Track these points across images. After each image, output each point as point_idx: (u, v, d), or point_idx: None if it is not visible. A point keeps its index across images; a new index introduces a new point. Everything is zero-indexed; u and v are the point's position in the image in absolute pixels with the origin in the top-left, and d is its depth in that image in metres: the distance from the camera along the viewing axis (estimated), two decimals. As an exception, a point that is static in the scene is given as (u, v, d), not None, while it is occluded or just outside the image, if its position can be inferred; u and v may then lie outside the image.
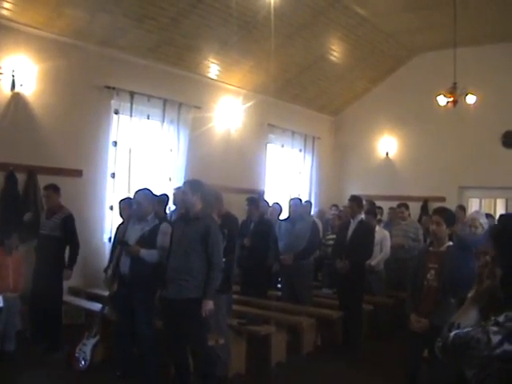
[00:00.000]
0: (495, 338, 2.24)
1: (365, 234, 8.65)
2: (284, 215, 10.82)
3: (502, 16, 11.36)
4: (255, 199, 9.92)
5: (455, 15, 10.49)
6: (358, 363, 7.91)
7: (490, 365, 2.32)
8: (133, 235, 6.58)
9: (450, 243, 5.71)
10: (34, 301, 7.83)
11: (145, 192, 6.74)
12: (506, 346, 2.23)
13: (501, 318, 2.29)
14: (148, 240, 6.46)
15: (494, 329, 2.25)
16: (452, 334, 2.39)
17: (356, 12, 11.32)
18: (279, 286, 10.16)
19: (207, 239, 5.91)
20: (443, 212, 5.84)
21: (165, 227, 6.56)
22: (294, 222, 9.21)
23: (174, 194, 8.80)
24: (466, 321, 2.49)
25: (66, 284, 8.42)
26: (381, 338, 9.20)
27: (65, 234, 7.83)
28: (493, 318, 2.31)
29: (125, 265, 6.52)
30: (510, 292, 2.49)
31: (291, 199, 9.71)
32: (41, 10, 8.52)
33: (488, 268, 2.68)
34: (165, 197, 8.66)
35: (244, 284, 9.54)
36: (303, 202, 10.68)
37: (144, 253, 6.37)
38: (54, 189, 7.96)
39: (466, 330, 2.34)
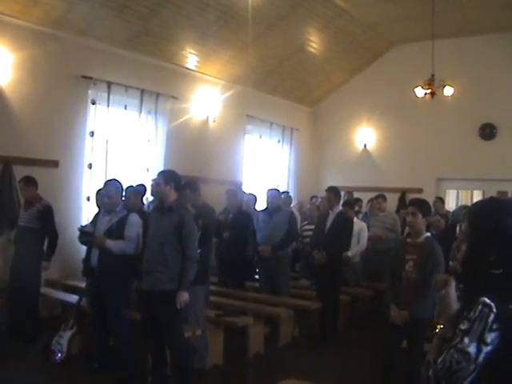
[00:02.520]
0: (472, 349, 2.20)
1: (343, 225, 8.63)
2: (259, 206, 10.83)
3: (479, 9, 11.43)
4: (235, 191, 9.88)
5: (433, 7, 10.54)
6: (336, 354, 7.93)
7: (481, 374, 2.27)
8: (102, 227, 6.56)
9: (428, 234, 5.74)
10: (11, 293, 7.77)
11: (115, 183, 6.72)
12: (484, 349, 2.21)
13: (464, 326, 2.26)
14: (116, 231, 6.45)
15: (466, 340, 2.22)
16: (430, 372, 2.33)
17: (334, 3, 11.31)
18: (257, 277, 10.17)
19: (181, 230, 5.86)
20: (419, 203, 5.87)
21: (133, 218, 6.55)
22: (271, 213, 9.18)
23: (152, 185, 8.75)
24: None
25: (42, 276, 8.36)
26: (358, 329, 9.24)
27: (43, 226, 7.76)
28: (457, 331, 2.28)
29: (94, 257, 6.51)
30: (467, 270, 2.48)
31: (269, 190, 9.65)
32: (17, -2, 8.43)
33: (456, 242, 2.68)
34: (142, 187, 8.59)
35: (222, 275, 9.54)
36: (281, 193, 10.65)
37: (110, 244, 6.35)
38: (25, 181, 7.88)
39: (439, 360, 2.28)
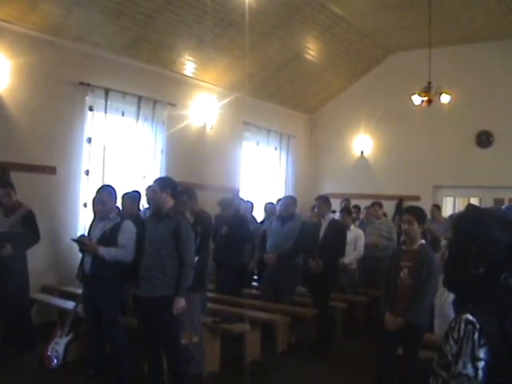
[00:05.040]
0: (469, 370, 2.18)
1: (337, 232, 8.59)
2: (255, 212, 10.82)
3: (475, 18, 11.48)
4: (229, 200, 9.80)
5: (430, 16, 10.57)
6: (333, 361, 7.92)
7: None
8: (95, 233, 6.56)
9: (423, 241, 5.76)
10: (0, 300, 7.74)
11: (107, 189, 6.72)
12: (480, 365, 2.20)
13: (453, 350, 2.24)
14: (109, 238, 6.43)
15: (460, 364, 2.20)
16: None
17: (332, 11, 11.35)
18: (254, 284, 10.14)
19: (178, 237, 5.87)
20: (415, 211, 5.90)
21: (126, 225, 6.53)
22: (283, 221, 8.88)
23: (146, 193, 8.61)
24: None
25: (39, 282, 8.36)
26: (356, 335, 9.23)
27: (27, 230, 7.73)
28: (449, 358, 2.27)
29: (87, 263, 6.49)
30: (450, 276, 2.49)
31: (283, 197, 9.44)
32: (15, 5, 8.43)
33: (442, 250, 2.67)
34: (136, 193, 8.49)
35: (219, 282, 9.52)
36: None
37: (103, 251, 6.33)
38: (11, 187, 7.88)
39: None
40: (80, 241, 6.67)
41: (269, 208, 10.87)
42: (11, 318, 7.68)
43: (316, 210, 9.05)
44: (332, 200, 9.26)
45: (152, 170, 10.79)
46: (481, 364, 2.18)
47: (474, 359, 2.18)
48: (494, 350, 2.19)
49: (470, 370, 2.17)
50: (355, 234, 9.85)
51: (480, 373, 2.17)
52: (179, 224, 5.92)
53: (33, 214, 7.89)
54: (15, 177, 8.56)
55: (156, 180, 6.40)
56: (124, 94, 10.31)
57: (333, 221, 8.79)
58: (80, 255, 6.89)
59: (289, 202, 9.15)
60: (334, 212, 10.10)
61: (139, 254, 6.13)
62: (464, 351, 2.20)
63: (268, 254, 8.82)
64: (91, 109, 9.84)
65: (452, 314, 2.51)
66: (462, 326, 2.23)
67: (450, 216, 9.18)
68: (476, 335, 2.20)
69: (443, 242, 8.02)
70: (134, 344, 6.48)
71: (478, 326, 2.20)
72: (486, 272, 2.31)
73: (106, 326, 6.42)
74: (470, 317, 2.22)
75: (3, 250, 7.42)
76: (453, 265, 2.44)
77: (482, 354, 2.18)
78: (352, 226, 9.96)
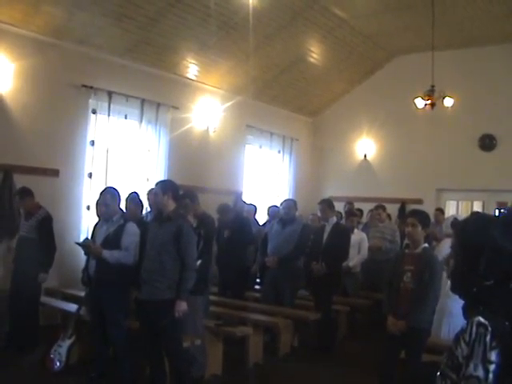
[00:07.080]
0: (480, 372, 2.16)
1: (340, 236, 8.61)
2: (258, 215, 10.78)
3: (479, 21, 11.46)
4: (227, 206, 9.76)
5: (433, 19, 10.57)
6: (335, 364, 7.90)
7: None
8: (100, 236, 6.56)
9: (426, 245, 5.74)
10: (11, 301, 7.75)
11: (110, 191, 6.72)
12: (491, 368, 2.19)
13: (465, 352, 2.24)
14: (112, 241, 6.42)
15: (471, 366, 2.19)
16: None
17: (334, 14, 11.34)
18: (257, 287, 10.12)
19: (179, 240, 5.87)
20: (418, 214, 5.88)
21: (130, 228, 6.53)
22: (284, 224, 8.88)
23: (147, 196, 8.53)
24: None
25: (42, 285, 8.33)
26: (358, 339, 9.22)
27: (41, 238, 7.70)
28: (460, 360, 2.26)
29: (91, 266, 6.49)
30: (458, 287, 2.48)
31: (284, 200, 9.45)
32: (18, 7, 8.45)
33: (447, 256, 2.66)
34: (135, 195, 8.38)
35: (221, 285, 9.51)
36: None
37: (106, 254, 6.32)
38: (20, 195, 7.86)
39: None
40: (84, 244, 6.67)
41: (272, 211, 10.86)
42: (21, 321, 7.69)
43: (320, 214, 9.05)
44: (335, 203, 9.27)
45: (155, 172, 10.79)
46: (492, 367, 2.18)
47: (486, 362, 2.18)
48: (506, 351, 2.19)
49: (480, 372, 2.17)
50: (359, 237, 9.85)
51: (491, 375, 2.17)
52: (181, 227, 5.91)
53: (48, 220, 7.85)
54: (18, 179, 8.57)
55: (157, 183, 6.40)
56: (127, 96, 10.32)
57: (337, 224, 8.80)
58: (84, 259, 6.88)
59: (290, 205, 9.13)
60: (340, 214, 10.10)
61: (141, 256, 6.14)
62: (476, 353, 2.20)
63: (269, 257, 8.82)
64: (94, 111, 9.85)
65: (451, 305, 2.51)
66: (474, 328, 2.22)
67: (453, 223, 9.12)
68: (488, 337, 2.19)
69: (434, 243, 8.04)
70: (136, 346, 6.47)
71: (489, 329, 2.20)
72: (496, 283, 2.31)
73: (111, 328, 6.42)
74: (482, 319, 2.22)
75: None
76: (461, 277, 2.43)
77: (493, 356, 2.18)
78: (355, 230, 9.96)
